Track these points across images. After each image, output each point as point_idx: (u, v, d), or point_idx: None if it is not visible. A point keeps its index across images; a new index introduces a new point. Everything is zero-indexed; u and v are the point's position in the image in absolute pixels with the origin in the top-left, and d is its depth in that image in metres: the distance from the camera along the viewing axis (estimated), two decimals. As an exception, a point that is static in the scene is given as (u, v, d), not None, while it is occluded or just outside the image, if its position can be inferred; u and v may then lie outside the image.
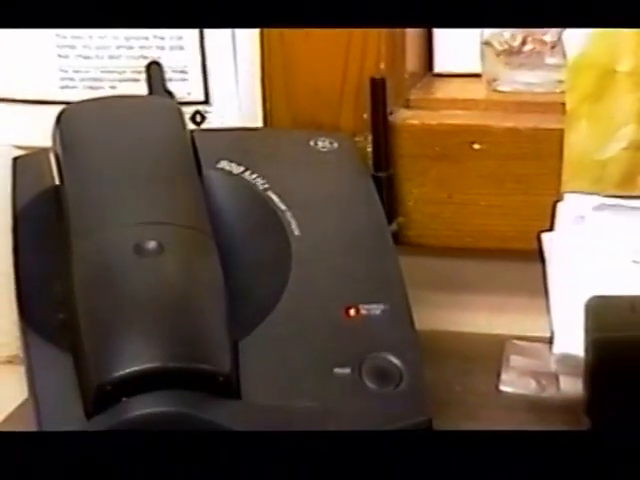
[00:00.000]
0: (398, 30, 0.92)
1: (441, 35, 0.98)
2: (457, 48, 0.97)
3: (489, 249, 0.85)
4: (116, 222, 0.73)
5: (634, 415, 0.70)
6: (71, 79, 0.92)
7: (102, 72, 0.92)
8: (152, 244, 0.70)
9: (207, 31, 0.93)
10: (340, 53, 0.88)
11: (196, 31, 0.94)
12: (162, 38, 0.91)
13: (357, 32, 0.88)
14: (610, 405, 0.71)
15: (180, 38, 0.92)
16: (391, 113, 0.86)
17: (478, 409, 0.80)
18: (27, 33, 0.94)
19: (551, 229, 0.79)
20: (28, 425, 0.73)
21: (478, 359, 0.85)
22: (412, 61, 0.94)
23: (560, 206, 0.78)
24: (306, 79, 0.88)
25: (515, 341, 0.85)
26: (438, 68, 0.97)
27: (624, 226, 0.79)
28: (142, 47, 0.92)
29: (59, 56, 0.93)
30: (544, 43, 0.88)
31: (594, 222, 0.79)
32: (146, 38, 0.92)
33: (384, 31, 0.88)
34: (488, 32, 0.92)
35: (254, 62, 0.91)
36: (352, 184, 0.82)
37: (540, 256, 0.78)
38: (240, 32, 0.92)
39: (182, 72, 0.92)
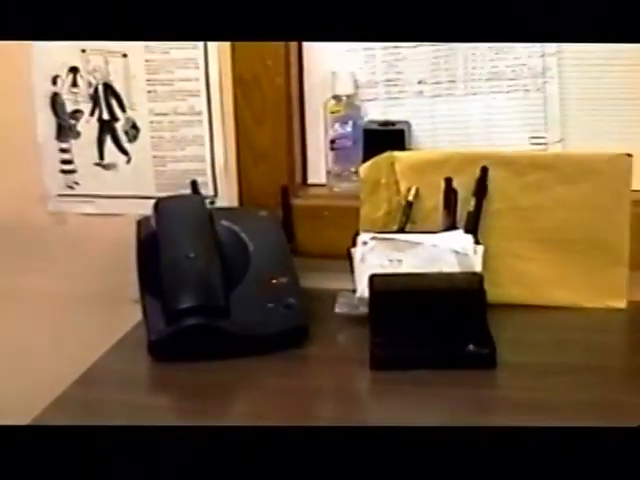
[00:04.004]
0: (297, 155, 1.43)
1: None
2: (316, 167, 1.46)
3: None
4: (178, 245, 1.27)
5: (401, 328, 1.18)
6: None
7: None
8: (192, 255, 1.25)
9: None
10: (280, 169, 1.43)
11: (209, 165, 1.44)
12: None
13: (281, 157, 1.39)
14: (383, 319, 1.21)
15: (204, 173, 1.46)
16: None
17: (326, 321, 1.29)
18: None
19: (353, 245, 1.30)
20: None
21: (329, 303, 1.32)
22: (298, 176, 1.49)
23: (359, 237, 1.30)
24: (257, 181, 1.44)
25: (342, 292, 1.32)
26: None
27: (384, 245, 1.28)
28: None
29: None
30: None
31: (370, 244, 1.29)
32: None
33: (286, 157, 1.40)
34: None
35: (234, 183, 1.46)
36: (274, 228, 1.38)
37: (349, 258, 1.30)
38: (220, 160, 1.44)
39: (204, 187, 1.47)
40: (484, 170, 1.36)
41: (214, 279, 1.24)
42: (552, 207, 1.37)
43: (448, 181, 1.36)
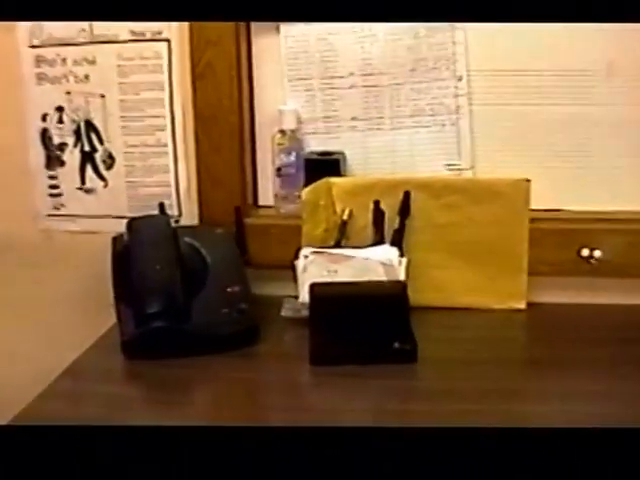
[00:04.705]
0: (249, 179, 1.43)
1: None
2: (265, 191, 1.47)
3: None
4: (146, 258, 1.25)
5: (337, 329, 1.19)
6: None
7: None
8: (158, 267, 1.23)
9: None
10: (234, 192, 1.42)
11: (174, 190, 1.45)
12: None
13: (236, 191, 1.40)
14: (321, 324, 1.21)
15: (169, 196, 1.46)
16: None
17: (273, 323, 1.30)
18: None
19: (296, 258, 1.28)
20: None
21: (276, 307, 1.32)
22: (250, 198, 1.48)
23: (301, 251, 1.29)
24: (214, 203, 1.44)
25: (287, 299, 1.32)
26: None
27: (322, 258, 1.28)
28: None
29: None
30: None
31: (311, 257, 1.28)
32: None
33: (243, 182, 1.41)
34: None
35: (195, 204, 1.45)
36: (229, 244, 1.36)
37: (293, 269, 1.29)
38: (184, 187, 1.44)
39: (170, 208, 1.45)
40: (407, 194, 1.36)
41: (177, 288, 1.22)
42: (464, 224, 1.37)
43: (376, 203, 1.36)
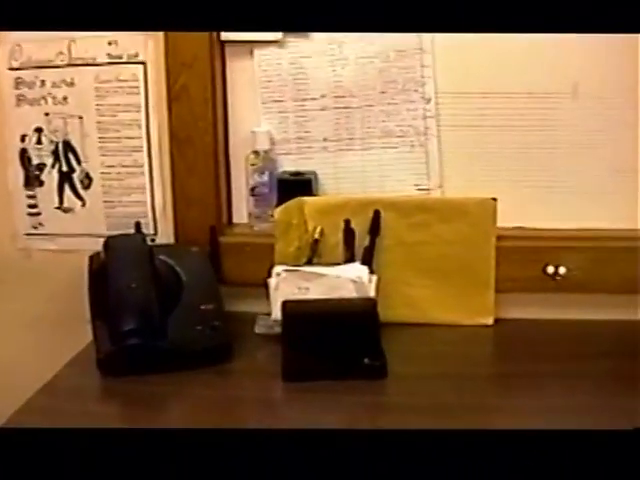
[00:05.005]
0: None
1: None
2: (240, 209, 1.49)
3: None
4: (122, 277, 1.24)
5: (309, 345, 1.19)
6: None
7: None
8: (134, 285, 1.22)
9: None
10: (209, 212, 1.44)
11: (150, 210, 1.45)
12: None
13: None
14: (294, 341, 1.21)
15: (145, 215, 1.47)
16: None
17: (247, 340, 1.31)
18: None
19: (269, 275, 1.30)
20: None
21: (249, 324, 1.34)
22: (225, 217, 1.48)
23: (273, 269, 1.30)
24: (189, 222, 1.45)
25: (260, 316, 1.34)
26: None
27: (294, 276, 1.29)
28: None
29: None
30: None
31: (283, 275, 1.29)
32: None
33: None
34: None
35: (171, 223, 1.47)
36: (203, 262, 1.36)
37: (266, 287, 1.30)
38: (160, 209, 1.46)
39: (146, 227, 1.46)
40: (376, 213, 1.38)
41: (152, 305, 1.23)
42: (433, 242, 1.38)
43: (347, 222, 1.37)
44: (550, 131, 1.41)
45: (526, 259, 1.40)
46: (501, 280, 1.39)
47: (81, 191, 1.49)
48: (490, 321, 1.40)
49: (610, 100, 1.39)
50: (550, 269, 1.39)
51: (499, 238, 1.38)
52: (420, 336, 1.35)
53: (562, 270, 1.39)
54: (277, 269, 1.32)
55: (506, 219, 1.39)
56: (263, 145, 1.44)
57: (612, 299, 1.40)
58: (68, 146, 1.48)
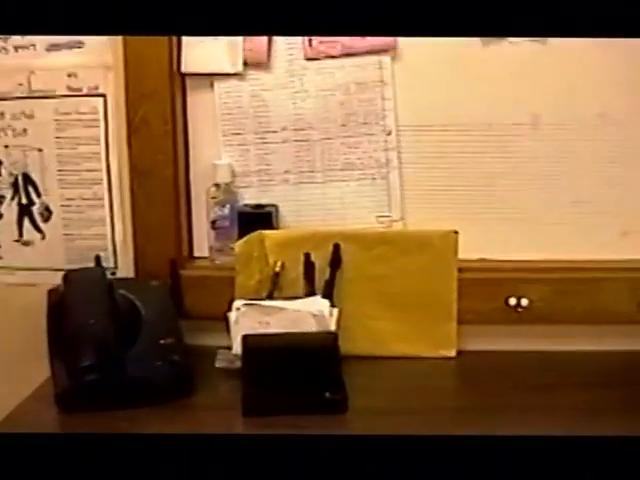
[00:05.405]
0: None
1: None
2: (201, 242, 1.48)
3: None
4: (81, 311, 1.25)
5: (269, 380, 1.20)
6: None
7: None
8: (92, 321, 1.22)
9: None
10: (169, 245, 1.43)
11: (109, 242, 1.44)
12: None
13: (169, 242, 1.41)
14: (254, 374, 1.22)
15: (106, 248, 1.46)
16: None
17: (208, 374, 1.30)
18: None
19: (230, 309, 1.32)
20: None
21: (210, 358, 1.33)
22: (186, 250, 1.49)
23: (234, 303, 1.31)
24: (150, 255, 1.44)
25: (220, 350, 1.33)
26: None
27: (254, 310, 1.30)
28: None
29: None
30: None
31: (243, 310, 1.30)
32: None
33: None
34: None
35: (131, 256, 1.46)
36: (164, 296, 1.38)
37: (226, 321, 1.30)
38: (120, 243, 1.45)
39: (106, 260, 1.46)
40: (336, 246, 1.38)
41: (110, 341, 1.22)
42: (395, 275, 1.39)
43: (307, 255, 1.38)
44: (511, 162, 1.42)
45: (488, 291, 1.40)
46: (463, 312, 1.39)
47: (41, 224, 1.48)
48: (452, 353, 1.40)
49: (570, 130, 1.41)
50: (512, 301, 1.40)
51: (461, 270, 1.39)
52: (382, 369, 1.35)
53: (524, 302, 1.40)
54: (237, 303, 1.32)
55: (468, 251, 1.40)
56: (224, 178, 1.44)
57: (574, 330, 1.41)
58: (28, 179, 1.47)
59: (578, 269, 1.41)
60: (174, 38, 1.39)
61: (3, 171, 1.48)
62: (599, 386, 1.27)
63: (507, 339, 1.42)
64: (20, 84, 1.44)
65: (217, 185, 1.44)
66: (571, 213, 1.43)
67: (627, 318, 1.39)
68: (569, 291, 1.40)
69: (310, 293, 1.35)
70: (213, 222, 1.44)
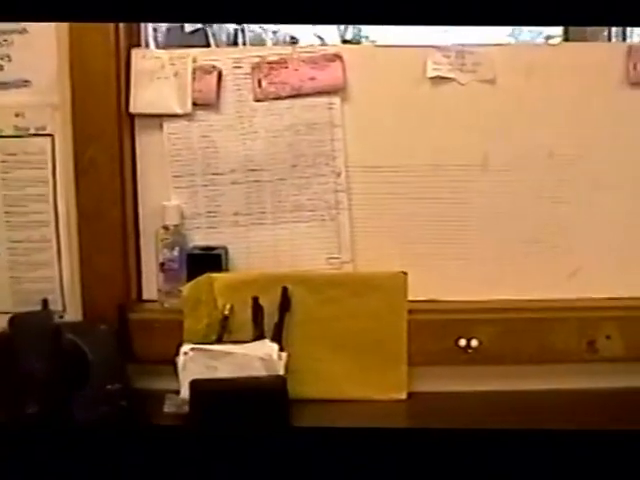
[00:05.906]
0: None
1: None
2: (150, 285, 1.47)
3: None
4: (27, 357, 1.26)
5: (215, 426, 1.20)
6: None
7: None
8: (37, 366, 1.25)
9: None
10: (117, 288, 1.42)
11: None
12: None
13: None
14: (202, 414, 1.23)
15: (53, 291, 1.44)
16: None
17: (156, 419, 1.30)
18: None
19: (177, 354, 1.31)
20: None
21: (159, 402, 1.33)
22: (134, 293, 1.48)
23: (181, 348, 1.30)
24: (98, 298, 1.42)
25: (169, 395, 1.32)
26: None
27: (202, 355, 1.29)
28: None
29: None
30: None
31: (190, 354, 1.29)
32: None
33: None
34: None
35: (79, 300, 1.44)
36: (111, 340, 1.36)
37: (174, 366, 1.29)
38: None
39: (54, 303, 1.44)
40: (284, 289, 1.38)
41: (56, 387, 1.23)
42: (344, 317, 1.38)
43: (255, 299, 1.37)
44: (460, 203, 1.44)
45: (438, 332, 1.41)
46: (413, 354, 1.39)
47: (-14, 269, 1.46)
48: (403, 395, 1.40)
49: (519, 171, 1.43)
50: (462, 342, 1.40)
51: (411, 312, 1.39)
52: (332, 412, 1.34)
53: (474, 342, 1.40)
54: (185, 347, 1.31)
55: (418, 292, 1.40)
56: (173, 220, 1.44)
57: (525, 370, 1.42)
58: (-30, 244, 1.46)
59: (527, 309, 1.42)
60: (122, 78, 1.39)
61: (-52, 213, 1.45)
62: (550, 425, 1.27)
63: (458, 380, 1.42)
64: (-34, 124, 1.42)
65: (166, 227, 1.44)
66: (520, 253, 1.45)
67: (577, 357, 1.40)
68: (519, 331, 1.40)
69: (259, 337, 1.34)
70: (162, 264, 1.44)
